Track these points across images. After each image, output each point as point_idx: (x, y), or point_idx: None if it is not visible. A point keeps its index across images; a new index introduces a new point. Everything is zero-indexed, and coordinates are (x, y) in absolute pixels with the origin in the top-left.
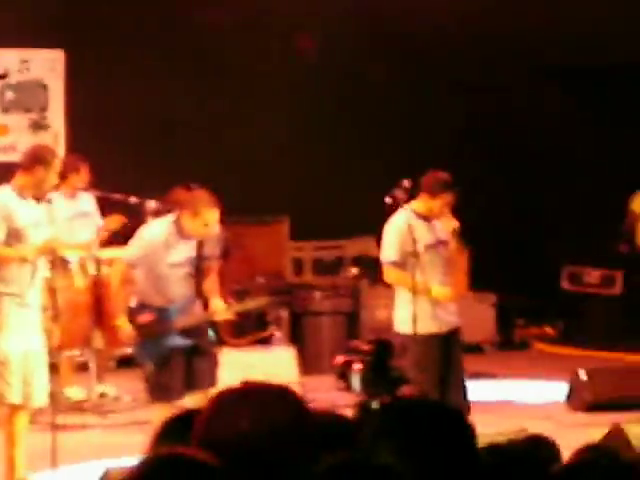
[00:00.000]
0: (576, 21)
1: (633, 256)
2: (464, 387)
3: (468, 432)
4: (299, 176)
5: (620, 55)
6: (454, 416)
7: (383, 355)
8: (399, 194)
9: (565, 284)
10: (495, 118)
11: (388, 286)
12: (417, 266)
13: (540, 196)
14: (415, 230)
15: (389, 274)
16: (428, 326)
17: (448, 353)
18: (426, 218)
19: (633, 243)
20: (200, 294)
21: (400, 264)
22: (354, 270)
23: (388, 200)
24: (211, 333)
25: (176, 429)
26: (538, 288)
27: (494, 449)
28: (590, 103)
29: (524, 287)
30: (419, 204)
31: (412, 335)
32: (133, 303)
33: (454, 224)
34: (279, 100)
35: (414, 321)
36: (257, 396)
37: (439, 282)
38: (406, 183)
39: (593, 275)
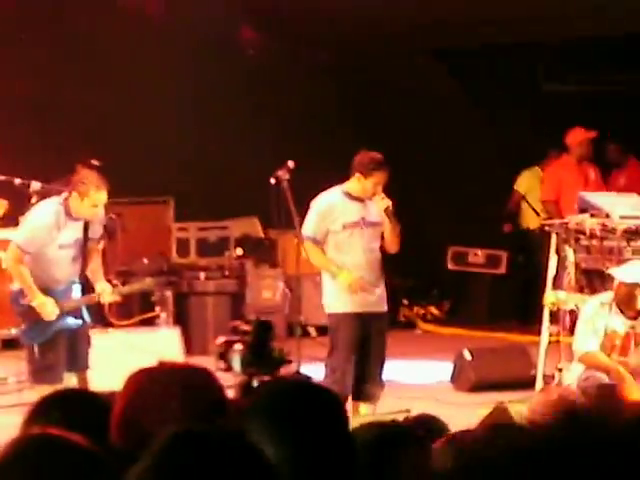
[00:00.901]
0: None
1: (517, 236)
2: (379, 372)
3: (341, 414)
4: (183, 157)
5: (503, 36)
6: (326, 397)
7: (263, 335)
8: (283, 174)
9: (450, 264)
10: (377, 101)
11: (273, 266)
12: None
13: (424, 177)
14: (337, 209)
15: (305, 249)
16: (345, 305)
17: (364, 335)
18: (358, 199)
19: (517, 223)
20: (84, 275)
21: (317, 241)
22: (238, 251)
23: (272, 180)
24: (86, 315)
25: (49, 409)
26: (423, 268)
27: (377, 428)
28: (469, 86)
29: (409, 267)
30: (352, 184)
31: (331, 314)
32: (17, 285)
33: (387, 203)
34: (165, 83)
35: (332, 299)
36: (184, 376)
37: (357, 262)
38: (290, 164)
39: (478, 255)
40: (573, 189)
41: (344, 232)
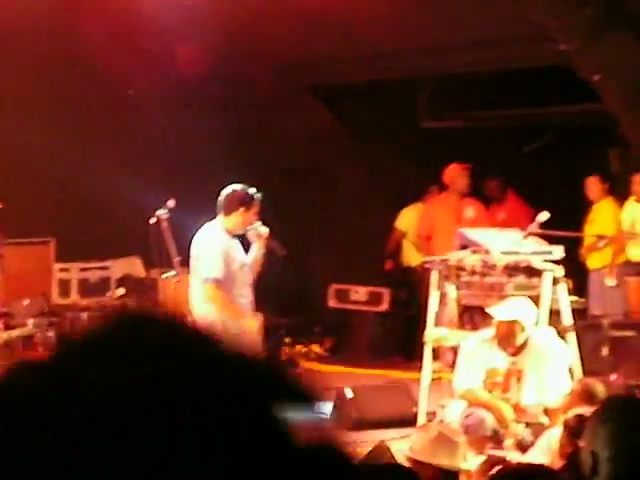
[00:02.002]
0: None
1: (399, 273)
2: None
3: None
4: (64, 197)
5: (383, 72)
6: None
7: None
8: (162, 214)
9: (332, 302)
10: (259, 138)
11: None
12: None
13: (306, 214)
14: (232, 248)
15: (210, 291)
16: None
17: None
18: (234, 235)
19: (399, 260)
20: None
21: (221, 283)
22: (120, 291)
23: (152, 220)
24: None
25: None
26: (305, 306)
27: None
28: (349, 121)
29: (291, 305)
30: (232, 220)
31: None
32: None
33: (266, 230)
34: (42, 122)
35: None
36: None
37: (249, 300)
38: (171, 203)
39: (360, 293)
40: (446, 226)
41: (241, 271)
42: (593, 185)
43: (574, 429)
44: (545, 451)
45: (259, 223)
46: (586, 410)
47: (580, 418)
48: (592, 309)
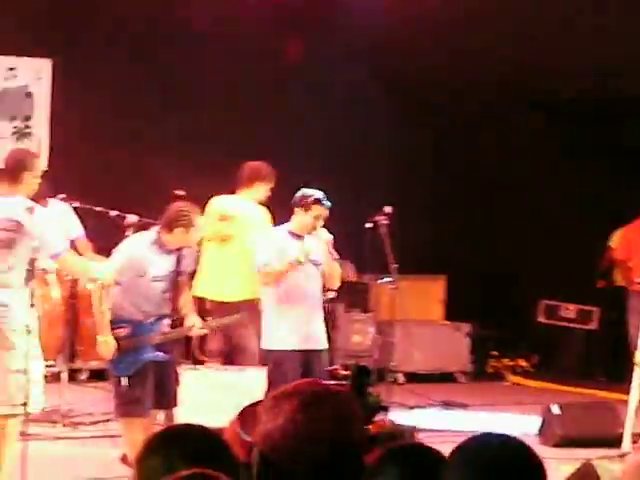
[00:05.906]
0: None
1: (610, 291)
2: None
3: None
4: None
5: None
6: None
7: (361, 380)
8: (381, 219)
9: (541, 317)
10: (495, 151)
11: (364, 311)
12: None
13: (519, 229)
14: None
15: None
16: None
17: None
18: (299, 236)
19: (610, 279)
20: (175, 309)
21: None
22: (330, 294)
23: (368, 225)
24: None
25: (162, 446)
26: (514, 320)
27: None
28: (572, 135)
29: (500, 319)
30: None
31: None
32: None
33: (328, 237)
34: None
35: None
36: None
37: None
38: (388, 209)
39: (570, 309)
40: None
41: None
42: None
43: None
44: None
45: (322, 230)
46: None
47: None
48: None
